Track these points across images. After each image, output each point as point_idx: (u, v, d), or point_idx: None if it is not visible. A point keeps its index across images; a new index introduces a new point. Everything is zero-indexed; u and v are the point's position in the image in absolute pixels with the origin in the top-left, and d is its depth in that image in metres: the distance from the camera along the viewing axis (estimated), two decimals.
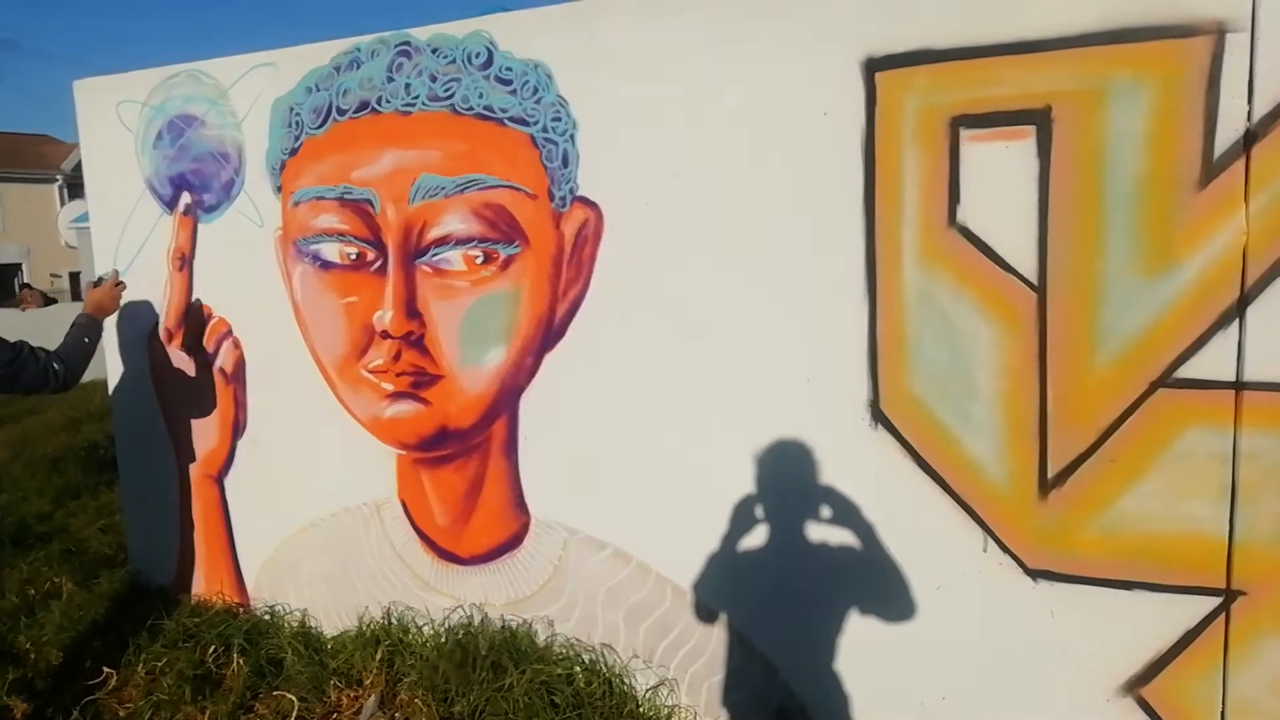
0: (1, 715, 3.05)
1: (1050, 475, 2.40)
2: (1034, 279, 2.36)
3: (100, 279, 3.57)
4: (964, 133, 2.38)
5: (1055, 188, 2.31)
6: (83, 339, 3.26)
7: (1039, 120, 2.30)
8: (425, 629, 3.37)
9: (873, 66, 2.47)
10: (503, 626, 3.24)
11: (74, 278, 24.73)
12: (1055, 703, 2.46)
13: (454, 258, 3.13)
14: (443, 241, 3.13)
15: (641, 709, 2.95)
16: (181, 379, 3.83)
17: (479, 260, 3.10)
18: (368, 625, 3.48)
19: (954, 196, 2.41)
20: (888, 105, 2.46)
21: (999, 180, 2.36)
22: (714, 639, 2.91)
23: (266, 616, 3.70)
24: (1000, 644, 2.51)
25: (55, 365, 3.05)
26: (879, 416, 2.57)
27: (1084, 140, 2.27)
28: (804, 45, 2.55)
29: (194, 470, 3.89)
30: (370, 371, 3.35)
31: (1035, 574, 2.45)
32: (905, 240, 2.48)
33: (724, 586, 2.86)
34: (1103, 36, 2.22)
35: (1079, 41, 2.24)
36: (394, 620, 3.44)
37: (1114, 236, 2.27)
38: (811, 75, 2.55)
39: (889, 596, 2.61)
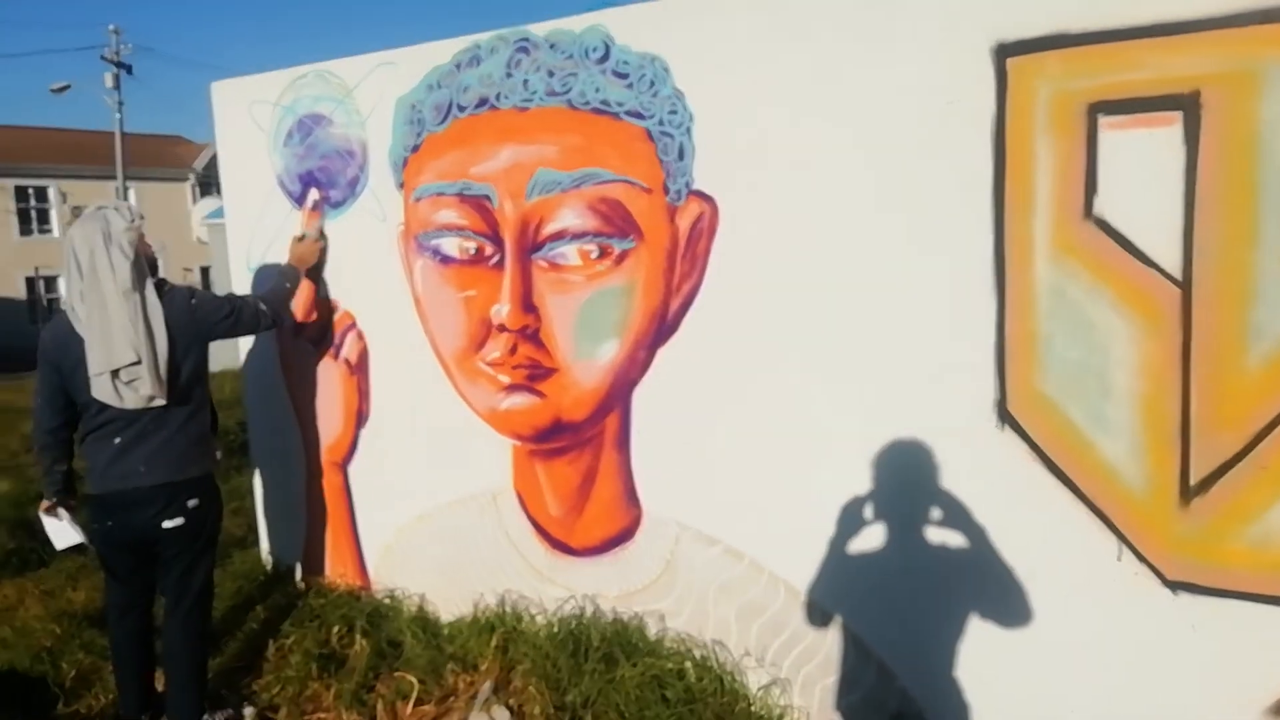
0: (148, 686, 3.24)
1: (1193, 482, 2.26)
2: (1178, 274, 2.22)
3: (304, 235, 3.79)
4: (1102, 120, 2.26)
5: (1204, 177, 2.17)
6: (284, 284, 3.59)
7: (1186, 106, 2.17)
8: (539, 618, 3.43)
9: (1004, 52, 2.37)
10: (614, 619, 3.27)
11: (204, 272, 26.04)
12: None
13: (569, 252, 3.16)
14: (558, 236, 3.17)
15: (753, 707, 2.93)
16: (309, 369, 3.99)
17: (594, 255, 3.12)
18: (483, 612, 3.55)
19: (1090, 187, 2.30)
20: (1019, 92, 2.36)
21: (1140, 169, 2.23)
22: (828, 640, 2.86)
23: (387, 600, 3.82)
24: (1134, 658, 2.39)
25: (263, 307, 3.38)
26: (1006, 416, 2.47)
27: (1237, 126, 2.12)
28: (930, 31, 2.47)
29: (320, 458, 4.04)
30: (487, 364, 3.41)
31: (1175, 586, 2.32)
32: (1037, 233, 2.38)
33: (840, 587, 2.81)
34: (1257, 15, 2.07)
35: (1231, 21, 2.10)
36: (508, 608, 3.50)
37: (1269, 228, 2.12)
38: (938, 62, 2.47)
39: (1012, 604, 2.51)
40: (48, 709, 3.30)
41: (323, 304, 3.90)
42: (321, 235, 3.81)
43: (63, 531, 3.15)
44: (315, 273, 3.86)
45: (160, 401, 2.98)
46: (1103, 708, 2.45)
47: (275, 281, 3.59)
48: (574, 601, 3.37)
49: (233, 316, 3.24)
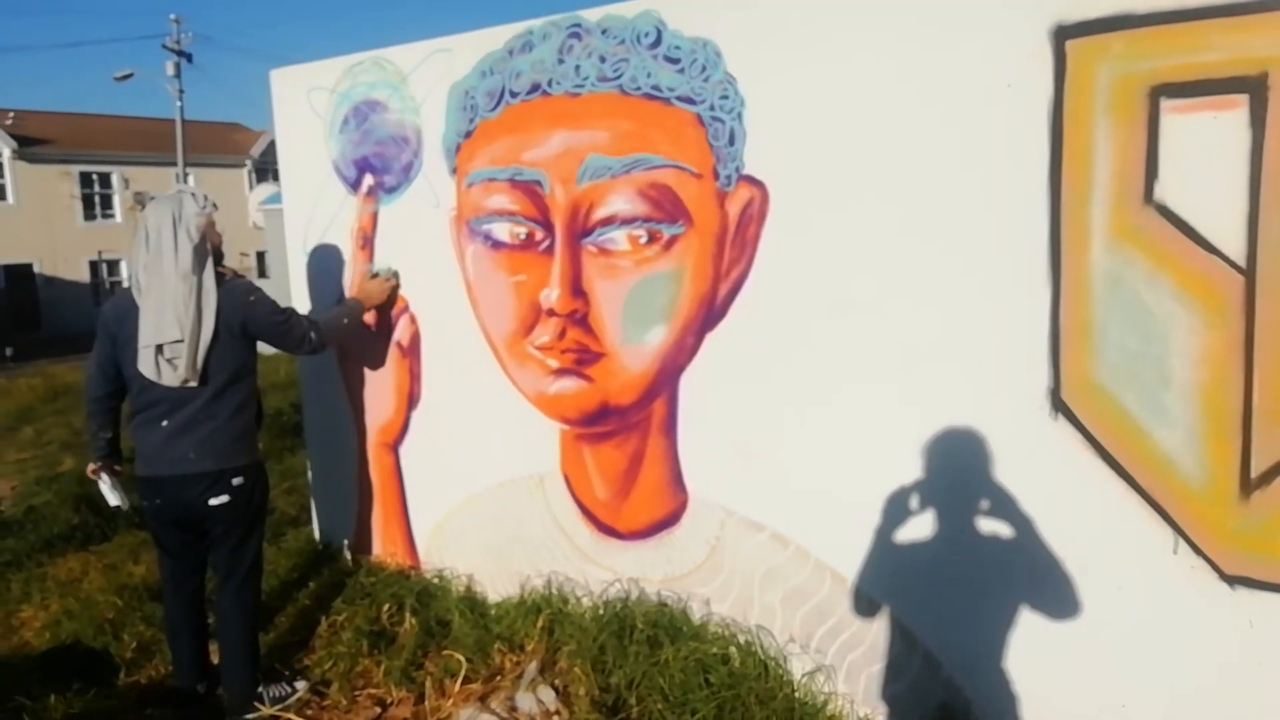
0: (202, 659, 3.34)
1: (1254, 474, 2.21)
2: (1241, 261, 2.16)
3: (377, 273, 3.88)
4: (1165, 103, 2.21)
5: (1270, 161, 2.11)
6: (342, 318, 3.64)
7: (1253, 88, 2.11)
8: (584, 600, 3.46)
9: (1063, 34, 2.32)
10: (659, 602, 3.29)
11: (260, 257, 26.50)
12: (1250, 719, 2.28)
13: (619, 237, 3.18)
14: (608, 221, 3.18)
15: (797, 694, 2.93)
16: (362, 352, 4.06)
17: (643, 240, 3.13)
18: (529, 593, 3.59)
19: (1151, 172, 2.25)
20: (1079, 75, 2.31)
21: (1204, 154, 2.18)
22: (874, 628, 2.85)
23: (435, 580, 3.88)
24: (1189, 654, 2.34)
25: (313, 334, 3.39)
26: (1060, 405, 2.43)
27: None
28: (986, 14, 2.43)
29: (371, 439, 4.12)
30: (536, 348, 3.44)
31: (1232, 580, 2.26)
32: (1094, 218, 2.33)
33: (887, 575, 2.80)
34: None
35: None
36: (554, 590, 3.54)
37: None
38: (994, 45, 2.43)
39: (1062, 596, 2.47)
40: (109, 678, 3.41)
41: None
42: (395, 275, 3.86)
43: (108, 493, 3.32)
44: (370, 257, 3.92)
45: (192, 384, 3.04)
46: (1155, 703, 2.41)
47: (335, 311, 3.64)
48: (619, 584, 3.39)
49: (283, 325, 3.27)
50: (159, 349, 3.00)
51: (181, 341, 2.99)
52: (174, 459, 3.07)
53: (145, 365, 3.02)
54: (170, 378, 3.02)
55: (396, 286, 3.87)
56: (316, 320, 3.48)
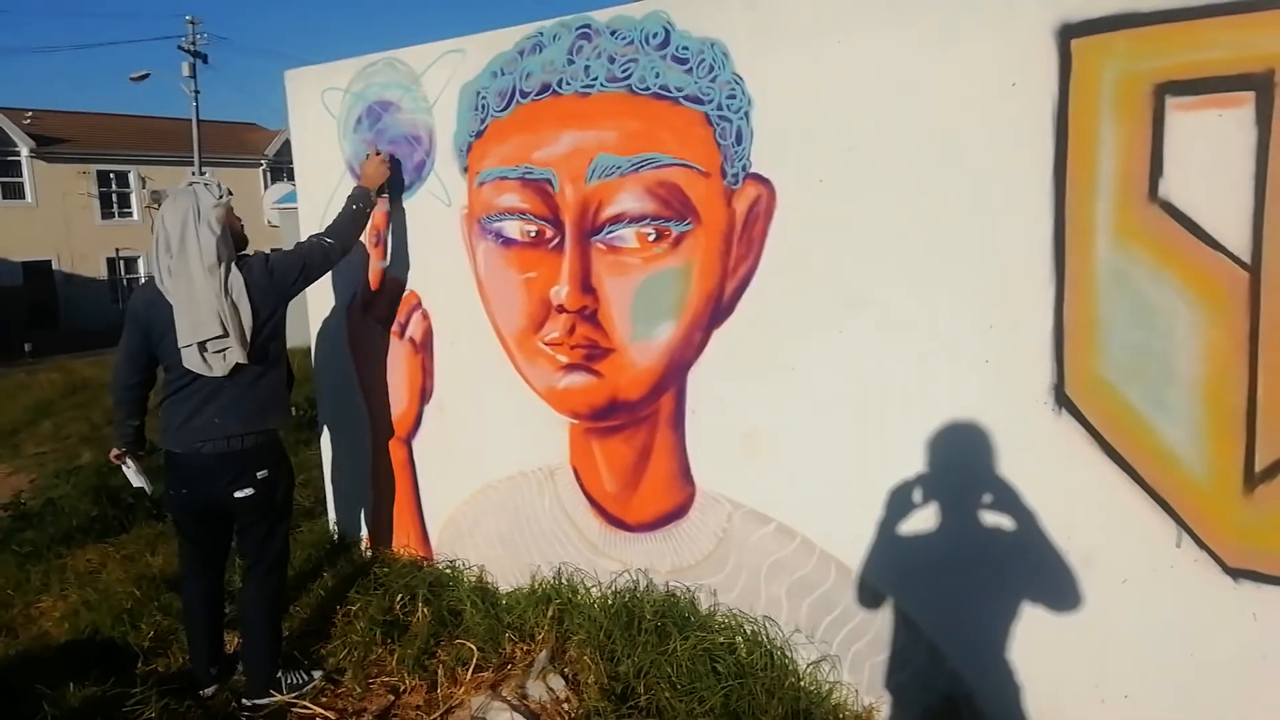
0: (217, 647, 3.39)
1: (1258, 469, 2.23)
2: (1246, 257, 2.18)
3: (368, 155, 3.84)
4: (1170, 100, 2.23)
5: (1276, 158, 2.13)
6: (353, 207, 3.59)
7: (1259, 85, 2.13)
8: (593, 590, 3.50)
9: (1068, 33, 2.34)
10: (667, 593, 3.32)
11: None
12: (1254, 711, 2.30)
13: (627, 235, 3.21)
14: (617, 219, 3.22)
15: (802, 683, 2.96)
16: (376, 348, 4.11)
17: (651, 238, 3.16)
18: (539, 584, 3.64)
19: (1156, 169, 2.26)
20: (1084, 73, 2.33)
21: (1209, 151, 2.19)
22: (878, 619, 2.88)
23: (448, 570, 3.93)
24: (1193, 646, 2.36)
25: (327, 241, 3.44)
26: (1063, 400, 2.46)
27: None
28: (992, 13, 2.45)
29: (386, 433, 4.16)
30: (546, 344, 3.49)
31: (1236, 573, 2.28)
32: (1099, 215, 2.35)
33: (891, 568, 2.82)
34: None
35: None
36: (564, 581, 3.58)
37: None
38: (1000, 44, 2.45)
39: (1065, 589, 2.50)
40: (128, 668, 3.47)
41: (391, 283, 4.01)
42: (390, 158, 3.81)
43: (132, 477, 3.39)
44: (384, 254, 3.96)
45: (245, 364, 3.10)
46: (1159, 695, 2.43)
47: (344, 206, 3.60)
48: (628, 575, 3.43)
49: (304, 272, 3.32)
50: (202, 345, 3.03)
51: (226, 335, 3.03)
52: (201, 427, 3.09)
53: (192, 362, 3.04)
54: (221, 368, 3.06)
55: (386, 160, 3.79)
56: (324, 233, 3.49)
